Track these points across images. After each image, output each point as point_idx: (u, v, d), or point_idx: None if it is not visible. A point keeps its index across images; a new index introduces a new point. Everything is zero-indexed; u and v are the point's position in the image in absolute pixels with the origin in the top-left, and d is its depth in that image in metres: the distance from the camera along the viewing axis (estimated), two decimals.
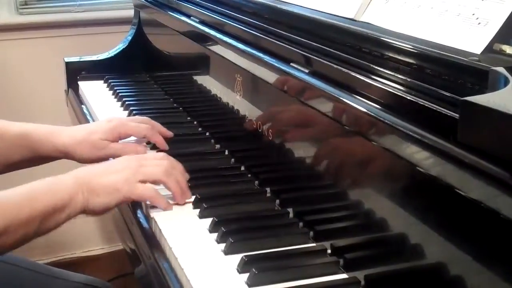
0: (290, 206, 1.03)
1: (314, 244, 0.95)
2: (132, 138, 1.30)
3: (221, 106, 1.34)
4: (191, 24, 1.45)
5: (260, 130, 1.15)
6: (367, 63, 0.85)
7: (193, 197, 1.08)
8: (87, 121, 1.57)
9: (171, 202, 1.07)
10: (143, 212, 1.09)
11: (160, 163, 1.08)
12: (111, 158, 1.21)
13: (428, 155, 0.70)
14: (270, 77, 1.08)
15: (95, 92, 1.76)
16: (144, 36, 1.92)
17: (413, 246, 0.75)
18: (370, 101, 0.82)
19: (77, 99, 1.76)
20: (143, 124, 1.29)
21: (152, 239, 1.01)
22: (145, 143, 1.31)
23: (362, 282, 0.84)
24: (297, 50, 1.01)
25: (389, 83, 0.80)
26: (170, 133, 1.32)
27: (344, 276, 0.87)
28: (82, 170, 1.05)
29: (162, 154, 1.16)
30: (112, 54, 1.92)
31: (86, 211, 1.01)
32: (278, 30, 1.10)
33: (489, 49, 0.73)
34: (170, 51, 1.76)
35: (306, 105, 0.97)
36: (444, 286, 0.70)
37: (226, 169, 1.23)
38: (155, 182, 1.07)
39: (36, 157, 1.24)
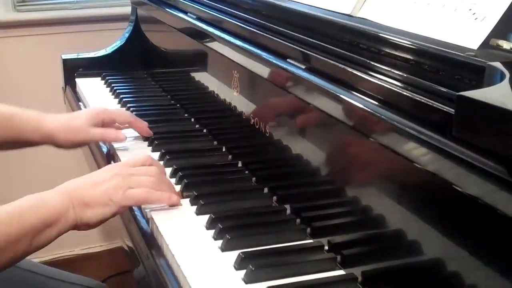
0: (287, 202, 1.03)
1: (311, 241, 0.95)
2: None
3: (219, 103, 1.34)
4: (188, 21, 1.44)
5: (257, 127, 1.15)
6: (364, 59, 0.85)
7: (191, 193, 1.08)
8: (78, 106, 1.57)
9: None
10: (140, 209, 1.09)
11: (148, 171, 1.05)
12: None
13: (425, 151, 0.70)
14: (267, 73, 1.08)
15: (93, 89, 1.76)
16: (141, 33, 1.92)
17: (410, 242, 0.75)
18: (367, 97, 0.81)
19: (74, 96, 1.76)
20: (127, 112, 1.33)
21: (149, 236, 1.01)
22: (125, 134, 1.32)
23: (360, 279, 0.84)
24: (294, 46, 1.01)
25: (386, 79, 0.79)
26: (150, 133, 1.35)
27: (341, 272, 0.87)
28: (69, 184, 1.01)
29: (146, 157, 1.11)
30: (109, 51, 1.92)
31: (79, 225, 0.98)
32: (275, 27, 1.09)
33: (485, 44, 0.72)
34: (167, 48, 1.76)
35: (302, 101, 0.97)
36: (441, 282, 0.70)
37: (223, 165, 1.23)
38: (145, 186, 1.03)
39: (19, 140, 1.25)
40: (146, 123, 1.34)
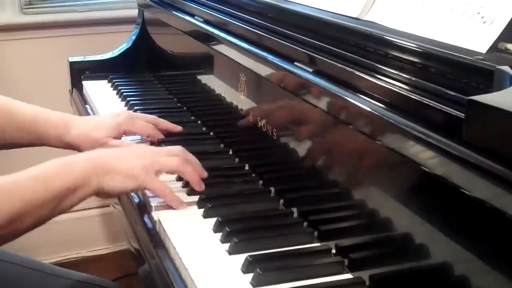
0: (294, 205, 1.03)
1: (318, 244, 0.94)
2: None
3: (225, 106, 1.34)
4: (195, 24, 1.45)
5: (264, 130, 1.15)
6: (372, 62, 0.85)
7: (197, 196, 1.08)
8: (86, 110, 1.57)
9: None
10: (147, 212, 1.09)
11: (176, 153, 1.09)
12: None
13: (433, 155, 0.70)
14: (274, 76, 1.08)
15: (99, 91, 1.76)
16: (148, 36, 1.92)
17: (418, 246, 0.75)
18: (375, 100, 0.81)
19: (81, 99, 1.76)
20: (149, 124, 1.31)
21: (156, 239, 1.01)
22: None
23: (367, 282, 0.84)
24: (301, 50, 1.01)
25: (394, 82, 0.79)
26: (178, 128, 1.35)
27: (349, 276, 0.87)
28: (97, 152, 1.06)
29: (177, 146, 1.15)
30: (116, 54, 1.92)
31: (100, 193, 1.01)
32: (282, 30, 1.09)
33: (494, 48, 0.72)
34: (174, 50, 1.76)
35: (309, 104, 0.97)
36: (449, 285, 0.70)
37: (230, 168, 1.23)
38: (171, 172, 1.09)
39: (39, 143, 1.26)
40: (171, 127, 1.34)
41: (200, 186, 1.09)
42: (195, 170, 1.10)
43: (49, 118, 1.25)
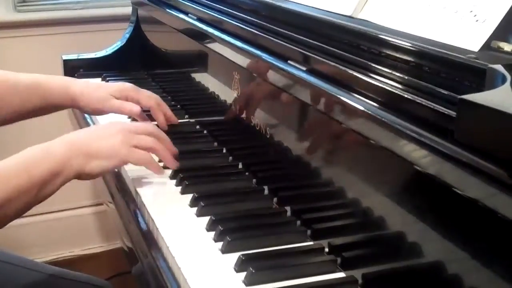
0: (288, 204, 1.03)
1: (311, 243, 0.94)
2: None
3: (219, 104, 1.34)
4: (188, 22, 1.44)
5: (258, 128, 1.15)
6: (365, 61, 0.85)
7: (191, 195, 1.08)
8: (85, 119, 1.56)
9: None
10: (140, 210, 1.09)
11: (150, 130, 1.13)
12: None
13: (426, 153, 0.69)
14: (268, 75, 1.07)
15: None
16: (142, 34, 1.92)
17: (410, 244, 0.75)
18: (368, 99, 0.81)
19: None
20: (152, 98, 1.33)
21: (149, 238, 1.01)
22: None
23: (360, 281, 0.84)
24: (295, 48, 1.01)
25: (387, 81, 0.79)
26: (174, 119, 1.36)
27: (341, 274, 0.87)
28: (74, 135, 1.07)
29: (151, 124, 1.22)
30: (110, 52, 1.92)
31: (82, 175, 1.03)
32: (276, 28, 1.09)
33: (486, 46, 0.72)
34: (168, 48, 1.76)
35: (303, 102, 0.97)
36: (441, 284, 0.70)
37: (224, 167, 1.23)
38: (146, 149, 1.11)
39: (49, 106, 1.29)
40: (163, 118, 1.33)
41: (173, 164, 1.14)
42: (167, 148, 1.14)
43: (51, 79, 1.30)
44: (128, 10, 2.00)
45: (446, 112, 0.67)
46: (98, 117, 1.59)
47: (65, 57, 1.88)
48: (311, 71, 0.95)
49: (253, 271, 0.85)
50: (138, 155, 1.08)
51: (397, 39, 0.81)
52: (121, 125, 1.12)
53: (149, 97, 1.32)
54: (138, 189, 1.11)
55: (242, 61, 1.17)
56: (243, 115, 1.21)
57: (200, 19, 1.41)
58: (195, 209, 1.04)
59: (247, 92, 1.20)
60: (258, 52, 1.10)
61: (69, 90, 1.28)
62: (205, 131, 1.41)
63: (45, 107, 1.29)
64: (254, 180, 1.15)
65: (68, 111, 1.85)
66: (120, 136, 1.07)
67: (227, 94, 1.29)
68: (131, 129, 1.10)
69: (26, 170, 0.96)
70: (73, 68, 1.86)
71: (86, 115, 1.67)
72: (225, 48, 1.25)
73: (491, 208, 0.60)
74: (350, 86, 0.85)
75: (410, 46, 0.79)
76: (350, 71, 0.86)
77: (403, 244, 0.76)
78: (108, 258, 2.37)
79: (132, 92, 1.31)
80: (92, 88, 1.30)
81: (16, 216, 0.97)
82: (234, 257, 0.89)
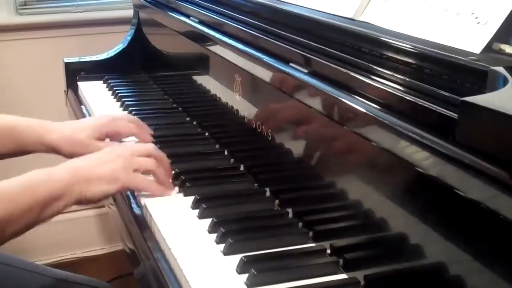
0: (290, 206, 1.03)
1: (313, 244, 0.95)
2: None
3: (221, 106, 1.34)
4: (190, 24, 1.45)
5: (259, 130, 1.15)
6: (366, 63, 0.85)
7: (193, 197, 1.08)
8: (81, 110, 1.56)
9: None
10: (142, 212, 1.09)
11: (149, 152, 1.12)
12: None
13: (427, 155, 0.70)
14: (270, 77, 1.08)
15: (95, 92, 1.76)
16: (143, 36, 1.92)
17: (412, 246, 0.75)
18: (369, 101, 0.81)
19: (76, 100, 1.76)
20: (131, 125, 1.30)
21: (151, 240, 1.01)
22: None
23: (362, 282, 0.84)
24: (296, 50, 1.01)
25: (388, 83, 0.79)
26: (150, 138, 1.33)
27: (343, 276, 0.87)
28: (75, 161, 1.08)
29: (149, 144, 1.20)
30: (111, 55, 1.92)
31: (82, 201, 1.04)
32: (277, 30, 1.09)
33: (488, 48, 0.73)
34: (169, 51, 1.76)
35: (304, 105, 0.97)
36: (444, 286, 0.70)
37: (226, 169, 1.23)
38: (146, 172, 1.10)
39: (21, 151, 1.25)
40: (150, 138, 1.32)
41: (167, 191, 1.12)
42: (166, 172, 1.13)
43: (28, 124, 1.25)
44: (130, 12, 2.00)
45: (447, 114, 0.67)
46: (95, 109, 1.59)
47: (66, 60, 1.88)
48: (312, 73, 0.96)
49: (255, 272, 0.85)
50: (138, 180, 1.09)
51: (399, 41, 0.82)
52: (122, 149, 1.12)
53: (128, 126, 1.29)
54: (140, 192, 1.12)
55: (244, 63, 1.18)
56: (246, 119, 1.21)
57: (201, 22, 1.41)
58: (197, 211, 1.04)
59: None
60: (260, 55, 1.10)
61: (44, 139, 1.24)
62: (206, 133, 1.41)
63: (18, 152, 1.26)
64: (256, 182, 1.15)
65: (64, 102, 1.86)
66: (120, 160, 1.07)
67: (228, 96, 1.29)
68: (133, 152, 1.10)
69: (30, 191, 0.98)
70: (74, 71, 1.87)
71: (82, 107, 1.68)
72: (226, 50, 1.25)
73: (493, 209, 0.60)
74: (351, 88, 0.86)
75: (412, 48, 0.79)
76: (352, 73, 0.86)
77: (405, 245, 0.76)
78: (110, 260, 2.37)
79: (109, 128, 1.27)
80: (68, 134, 1.24)
81: (17, 235, 0.98)
82: (236, 259, 0.89)
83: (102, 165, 1.06)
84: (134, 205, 1.12)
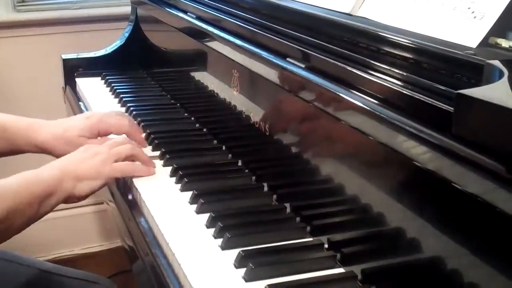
0: (287, 201, 1.04)
1: (311, 239, 0.95)
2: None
3: (218, 102, 1.34)
4: (188, 20, 1.45)
5: (257, 126, 1.15)
6: (364, 58, 0.85)
7: (191, 192, 1.08)
8: (79, 106, 1.56)
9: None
10: (140, 208, 1.09)
11: (124, 142, 1.18)
12: None
13: (425, 149, 0.70)
14: (267, 72, 1.08)
15: (93, 89, 1.76)
16: (141, 33, 1.92)
17: (409, 240, 0.75)
18: (367, 96, 0.82)
19: (74, 96, 1.76)
20: (123, 121, 1.29)
21: (149, 235, 1.01)
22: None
23: (359, 276, 0.84)
24: (294, 45, 1.01)
25: (386, 78, 0.80)
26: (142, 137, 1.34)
27: (341, 270, 0.88)
28: (60, 161, 1.11)
29: (121, 136, 1.26)
30: (109, 51, 1.92)
31: (70, 197, 1.07)
32: (275, 26, 1.10)
33: (484, 42, 0.73)
34: (167, 47, 1.76)
35: (302, 100, 0.97)
36: (440, 280, 0.70)
37: (223, 164, 1.23)
38: (127, 158, 1.14)
39: (13, 150, 1.25)
40: (142, 136, 1.32)
41: (151, 170, 1.17)
42: (143, 153, 1.19)
43: (17, 124, 1.24)
44: (128, 9, 2.00)
45: (444, 108, 0.67)
46: (93, 105, 1.59)
47: (64, 56, 1.88)
48: (310, 69, 0.96)
49: (253, 267, 0.85)
50: (120, 167, 1.12)
51: (396, 36, 0.82)
52: (96, 146, 1.15)
53: (120, 125, 1.28)
54: (138, 187, 1.12)
55: (241, 59, 1.18)
56: (244, 115, 1.21)
57: (199, 18, 1.41)
58: (194, 206, 1.05)
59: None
60: (257, 50, 1.11)
61: (33, 140, 1.23)
62: (204, 129, 1.41)
63: (11, 151, 1.25)
64: (253, 177, 1.16)
65: (62, 98, 1.86)
66: (98, 156, 1.10)
67: (226, 92, 1.29)
68: (109, 146, 1.14)
69: (26, 188, 1.01)
70: (72, 68, 1.87)
71: (80, 104, 1.68)
72: (224, 46, 1.25)
73: (489, 203, 0.60)
74: (349, 83, 0.86)
75: (409, 43, 0.79)
76: (349, 68, 0.86)
77: (402, 240, 0.77)
78: (109, 257, 2.37)
79: (100, 126, 1.26)
80: (58, 133, 1.23)
81: (20, 229, 1.01)
82: (234, 253, 0.90)
83: (83, 162, 1.09)
84: (131, 202, 1.12)
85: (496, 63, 0.63)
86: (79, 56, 1.90)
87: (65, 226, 2.35)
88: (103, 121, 1.27)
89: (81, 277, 1.26)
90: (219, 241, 0.94)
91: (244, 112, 1.21)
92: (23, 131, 1.23)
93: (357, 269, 0.85)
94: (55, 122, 1.27)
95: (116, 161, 1.12)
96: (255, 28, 1.15)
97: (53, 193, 1.03)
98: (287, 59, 1.02)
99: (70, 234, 2.39)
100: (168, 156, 1.23)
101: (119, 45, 1.93)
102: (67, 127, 1.25)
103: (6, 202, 0.97)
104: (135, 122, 1.35)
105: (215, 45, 1.31)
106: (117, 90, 1.69)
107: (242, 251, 0.89)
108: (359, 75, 0.84)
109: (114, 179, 1.14)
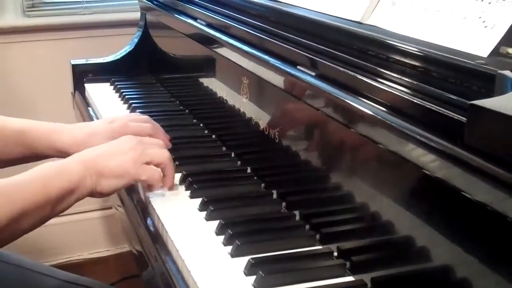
0: (296, 208, 1.04)
1: (320, 247, 0.95)
2: None
3: (227, 109, 1.34)
4: (197, 27, 1.45)
5: (266, 133, 1.15)
6: (374, 66, 0.85)
7: (200, 199, 1.08)
8: (88, 112, 1.57)
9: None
10: (150, 214, 1.09)
11: (162, 147, 1.13)
12: None
13: (435, 158, 0.70)
14: (277, 79, 1.08)
15: (102, 94, 1.77)
16: (150, 39, 1.92)
17: (419, 249, 0.75)
18: (377, 104, 0.82)
19: (83, 102, 1.77)
20: (146, 124, 1.27)
21: (159, 242, 1.01)
22: None
23: (369, 285, 0.84)
24: (304, 53, 1.01)
25: (396, 86, 0.80)
26: (167, 143, 1.29)
27: (350, 278, 0.88)
28: (87, 153, 1.06)
29: (161, 141, 1.18)
30: (118, 57, 1.93)
31: (94, 193, 1.03)
32: (285, 33, 1.10)
33: (495, 52, 0.73)
34: (176, 53, 1.77)
35: (312, 107, 0.98)
36: None
37: (233, 171, 1.23)
38: (158, 165, 1.10)
39: (33, 155, 1.23)
40: (168, 142, 1.28)
41: (173, 186, 1.13)
42: (173, 167, 1.13)
43: (37, 128, 1.22)
44: (137, 15, 2.01)
45: (455, 117, 0.67)
46: (102, 111, 1.58)
47: (73, 61, 1.89)
48: (320, 76, 0.96)
49: (263, 274, 0.85)
50: (149, 172, 1.07)
51: (406, 45, 0.82)
52: (135, 141, 1.10)
53: (141, 127, 1.24)
54: (148, 193, 1.12)
55: (251, 66, 1.18)
56: (254, 121, 1.21)
57: (208, 24, 1.42)
58: (204, 213, 1.05)
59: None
60: (267, 57, 1.11)
61: (56, 145, 1.20)
62: (213, 136, 1.41)
63: (30, 157, 1.23)
64: (262, 185, 1.16)
65: (71, 104, 1.86)
66: (131, 153, 1.06)
67: (235, 98, 1.30)
68: (145, 145, 1.09)
69: (43, 186, 0.97)
70: (81, 73, 1.87)
71: (89, 109, 1.68)
72: (233, 53, 1.26)
73: (500, 212, 0.60)
74: (359, 91, 0.86)
75: (419, 52, 0.80)
76: (359, 76, 0.86)
77: (412, 248, 0.77)
78: (116, 262, 2.38)
79: (123, 131, 1.21)
80: (82, 138, 1.20)
81: (30, 229, 0.97)
82: (243, 261, 0.90)
83: (113, 158, 1.05)
84: (141, 208, 1.13)
85: (508, 73, 0.63)
86: (88, 62, 1.91)
87: (73, 230, 2.35)
88: (125, 126, 1.25)
89: (88, 284, 1.26)
90: (229, 248, 0.94)
91: (253, 119, 1.21)
92: (45, 135, 1.22)
93: (367, 277, 0.85)
94: (78, 127, 1.26)
95: (147, 163, 1.08)
96: (265, 35, 1.15)
97: (74, 190, 0.99)
98: (297, 66, 1.02)
99: (78, 239, 2.39)
100: (177, 163, 1.23)
101: (128, 50, 1.94)
102: (92, 133, 1.23)
103: (15, 205, 0.92)
104: (159, 125, 1.31)
105: (224, 51, 1.31)
106: (126, 96, 1.69)
107: (252, 258, 0.89)
108: (369, 83, 0.84)
109: (138, 180, 1.09)
